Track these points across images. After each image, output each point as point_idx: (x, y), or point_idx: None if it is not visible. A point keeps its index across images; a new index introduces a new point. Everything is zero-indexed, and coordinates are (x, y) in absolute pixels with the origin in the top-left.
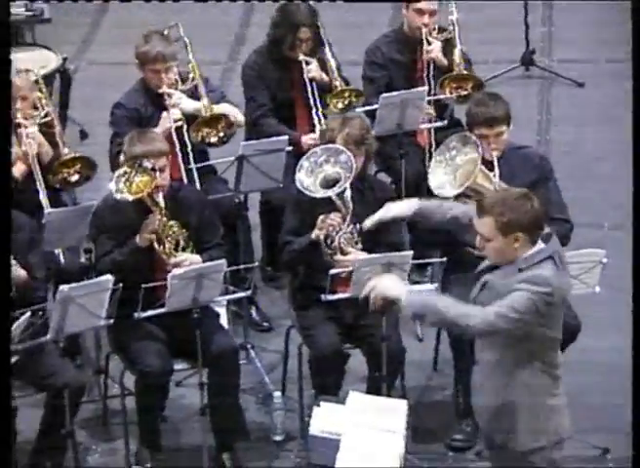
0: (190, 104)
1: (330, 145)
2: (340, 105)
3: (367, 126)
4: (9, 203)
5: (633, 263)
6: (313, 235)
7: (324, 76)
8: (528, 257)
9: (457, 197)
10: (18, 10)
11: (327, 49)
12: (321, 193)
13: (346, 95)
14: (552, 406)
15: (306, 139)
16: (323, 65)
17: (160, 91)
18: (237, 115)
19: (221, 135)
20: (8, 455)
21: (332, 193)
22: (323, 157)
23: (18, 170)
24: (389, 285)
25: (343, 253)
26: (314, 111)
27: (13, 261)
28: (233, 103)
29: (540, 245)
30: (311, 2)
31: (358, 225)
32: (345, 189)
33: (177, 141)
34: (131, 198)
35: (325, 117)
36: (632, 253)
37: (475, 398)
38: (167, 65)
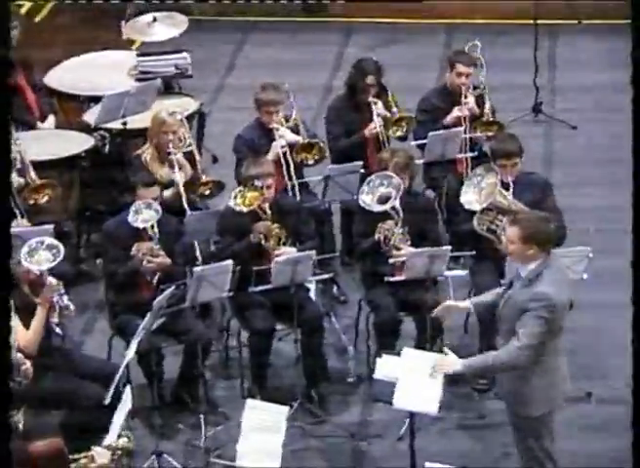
0: (292, 136)
1: (382, 172)
2: (398, 133)
3: (410, 155)
4: (9, 207)
5: (633, 263)
6: (375, 238)
7: (387, 112)
8: (532, 270)
9: (481, 211)
10: (169, 68)
11: (388, 93)
12: (378, 208)
13: (403, 124)
14: (560, 378)
15: (369, 129)
16: (386, 105)
17: (271, 126)
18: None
19: (317, 158)
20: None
21: (385, 208)
22: (378, 181)
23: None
24: (450, 362)
25: (397, 249)
26: (380, 138)
27: (161, 252)
28: (322, 139)
29: (541, 258)
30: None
31: (407, 228)
32: (396, 203)
33: (284, 165)
34: (245, 210)
35: (388, 142)
36: (632, 254)
37: (499, 384)
38: (277, 108)
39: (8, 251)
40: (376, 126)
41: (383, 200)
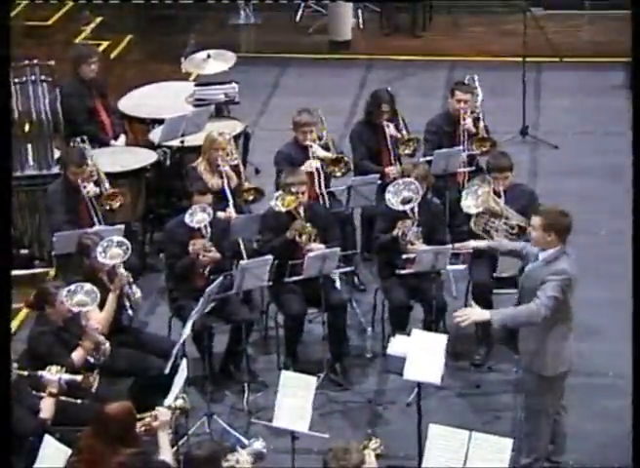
0: (323, 153)
1: (406, 179)
2: (407, 151)
3: (428, 169)
4: (9, 207)
5: (633, 264)
6: (394, 233)
7: (398, 134)
8: (551, 253)
9: (477, 214)
10: (219, 96)
11: (399, 117)
12: (400, 208)
13: (411, 144)
14: (569, 346)
15: (388, 170)
16: (397, 127)
17: (305, 144)
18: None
19: (343, 171)
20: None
21: (406, 208)
22: (402, 186)
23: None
24: (477, 313)
25: (412, 244)
26: (392, 155)
27: (213, 248)
28: (347, 155)
29: (559, 245)
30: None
31: (421, 228)
32: (414, 206)
33: (316, 176)
34: (283, 209)
35: (399, 159)
36: (632, 258)
37: (521, 343)
38: (311, 129)
39: (8, 252)
40: (395, 171)
41: (405, 201)
